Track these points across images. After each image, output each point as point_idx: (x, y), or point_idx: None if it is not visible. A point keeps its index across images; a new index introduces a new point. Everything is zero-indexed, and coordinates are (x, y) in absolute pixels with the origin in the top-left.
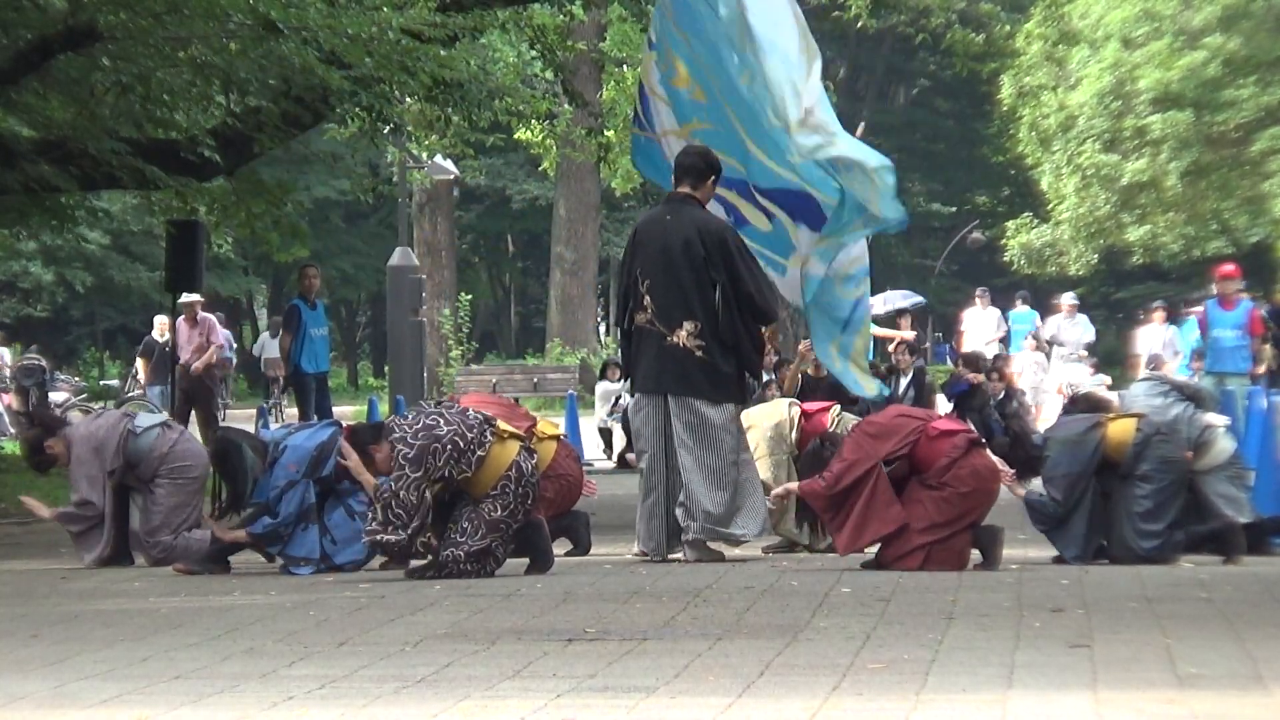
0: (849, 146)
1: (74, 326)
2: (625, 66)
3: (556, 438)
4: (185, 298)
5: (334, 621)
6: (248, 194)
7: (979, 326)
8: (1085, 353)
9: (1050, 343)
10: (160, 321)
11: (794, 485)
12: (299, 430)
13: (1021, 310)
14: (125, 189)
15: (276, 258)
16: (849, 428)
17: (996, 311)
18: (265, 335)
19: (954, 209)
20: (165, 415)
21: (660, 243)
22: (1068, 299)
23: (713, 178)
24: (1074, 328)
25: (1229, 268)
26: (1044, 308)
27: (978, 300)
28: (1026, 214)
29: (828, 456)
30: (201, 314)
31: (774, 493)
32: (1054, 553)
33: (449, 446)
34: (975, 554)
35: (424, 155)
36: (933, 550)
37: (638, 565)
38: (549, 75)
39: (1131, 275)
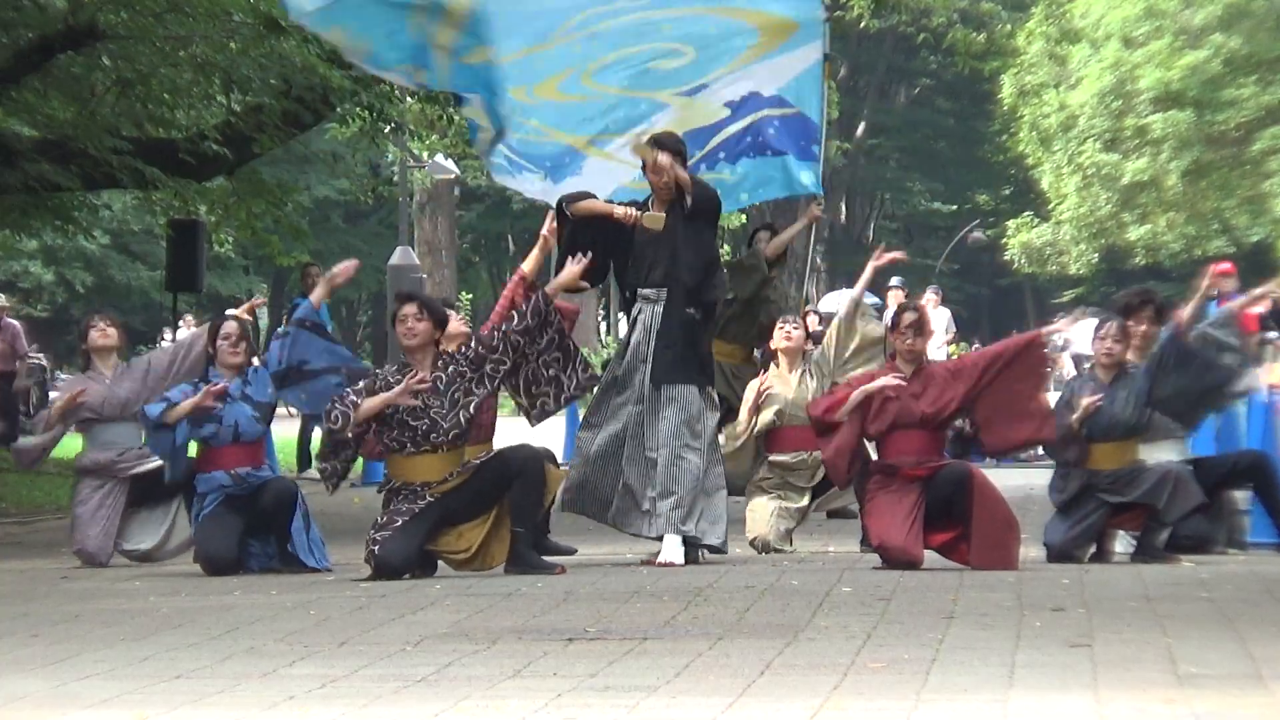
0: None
1: (74, 326)
2: None
3: None
4: None
5: (334, 621)
6: (248, 194)
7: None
8: None
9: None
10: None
11: None
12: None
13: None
14: (125, 189)
15: (278, 261)
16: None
17: (947, 312)
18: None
19: (955, 208)
20: None
21: None
22: None
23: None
24: None
25: (1225, 265)
26: (1045, 309)
27: (930, 297)
28: (1027, 213)
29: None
30: (6, 320)
31: None
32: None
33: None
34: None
35: (425, 155)
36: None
37: (638, 565)
38: None
39: (1133, 275)
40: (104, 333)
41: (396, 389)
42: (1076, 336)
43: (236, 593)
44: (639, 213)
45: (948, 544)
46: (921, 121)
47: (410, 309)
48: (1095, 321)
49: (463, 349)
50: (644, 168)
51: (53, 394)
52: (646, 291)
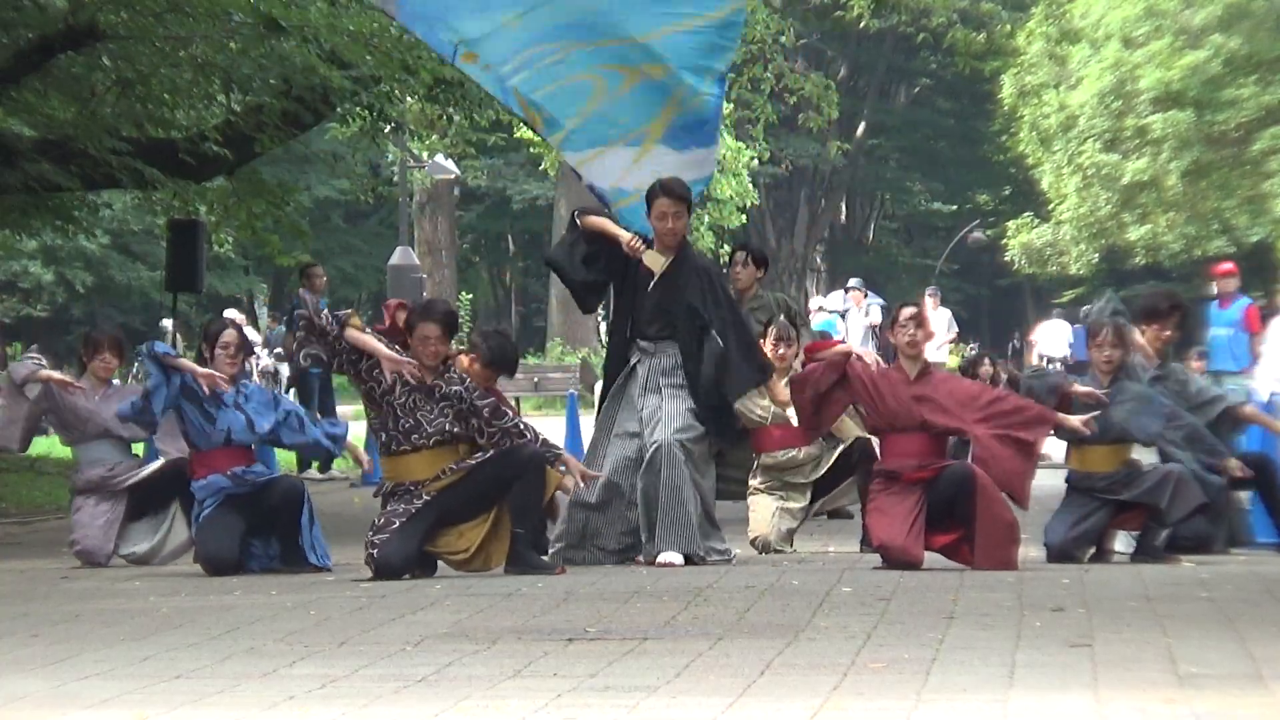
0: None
1: (74, 326)
2: None
3: None
4: None
5: (335, 621)
6: (248, 194)
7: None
8: None
9: None
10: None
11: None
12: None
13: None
14: (125, 189)
15: (278, 261)
16: None
17: (947, 313)
18: None
19: (955, 208)
20: None
21: None
22: None
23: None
24: None
25: (1226, 265)
26: (1044, 310)
27: (929, 299)
28: (1027, 213)
29: None
30: None
31: None
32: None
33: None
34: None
35: (425, 155)
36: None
37: (638, 565)
38: None
39: (1133, 275)
40: (107, 366)
41: (391, 354)
42: (1043, 338)
43: (236, 593)
44: (645, 247)
45: (951, 545)
46: (921, 121)
47: (433, 331)
48: (1062, 324)
49: (469, 390)
50: (649, 213)
51: None
52: (644, 344)
